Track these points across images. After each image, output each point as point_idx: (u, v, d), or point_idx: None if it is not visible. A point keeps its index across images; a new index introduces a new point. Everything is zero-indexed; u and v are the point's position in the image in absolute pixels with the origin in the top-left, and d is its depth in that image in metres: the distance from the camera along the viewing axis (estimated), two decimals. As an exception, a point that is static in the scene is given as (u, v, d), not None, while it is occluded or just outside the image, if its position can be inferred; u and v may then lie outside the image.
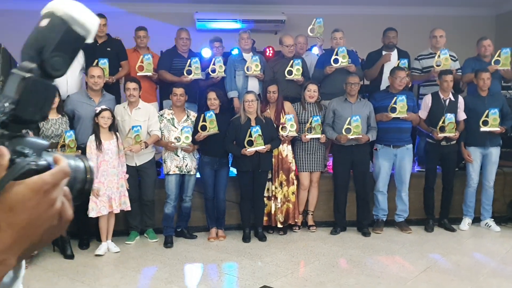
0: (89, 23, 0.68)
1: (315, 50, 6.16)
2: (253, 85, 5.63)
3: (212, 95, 4.99)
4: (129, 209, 4.79)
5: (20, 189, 0.60)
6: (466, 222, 5.50)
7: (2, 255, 0.60)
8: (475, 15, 9.05)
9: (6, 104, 0.63)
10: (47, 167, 0.62)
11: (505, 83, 5.92)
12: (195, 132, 4.86)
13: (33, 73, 0.64)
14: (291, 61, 5.42)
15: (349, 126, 5.08)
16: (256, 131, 4.81)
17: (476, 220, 5.59)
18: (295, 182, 5.25)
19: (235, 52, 6.28)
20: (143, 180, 5.03)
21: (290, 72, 5.42)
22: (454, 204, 5.61)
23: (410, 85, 5.63)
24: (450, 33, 8.12)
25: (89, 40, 0.69)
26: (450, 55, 5.57)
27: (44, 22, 0.66)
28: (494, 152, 5.37)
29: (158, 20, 8.09)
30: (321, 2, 8.06)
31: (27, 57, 0.66)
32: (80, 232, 4.90)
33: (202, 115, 4.84)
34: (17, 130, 0.64)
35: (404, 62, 5.50)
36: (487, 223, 5.49)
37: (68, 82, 5.07)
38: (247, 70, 5.48)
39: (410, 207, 5.51)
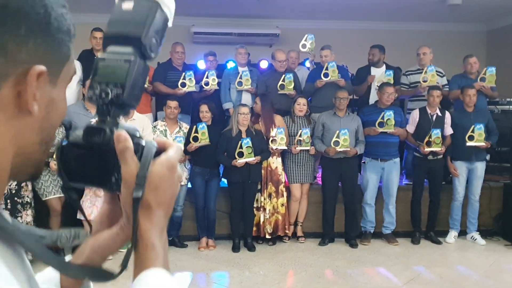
0: (172, 4, 0.67)
1: (308, 63, 6.32)
2: (247, 98, 5.78)
3: (204, 107, 5.13)
4: None
5: (159, 169, 0.63)
6: (452, 235, 5.61)
7: (164, 234, 0.65)
8: (466, 30, 9.23)
9: (114, 90, 0.62)
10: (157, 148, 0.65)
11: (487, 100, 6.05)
12: (187, 143, 4.99)
13: (135, 56, 0.62)
14: (283, 75, 5.57)
15: (337, 139, 5.21)
16: (246, 143, 4.93)
17: (463, 233, 5.70)
18: (285, 194, 5.37)
19: (230, 64, 6.44)
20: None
21: (282, 86, 5.56)
22: (441, 217, 5.72)
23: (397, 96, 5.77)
24: (442, 48, 8.32)
25: (170, 24, 0.67)
26: (437, 71, 5.72)
27: (129, 5, 0.64)
28: (480, 167, 5.50)
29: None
30: (314, 17, 8.23)
31: (114, 40, 0.64)
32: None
33: (194, 126, 4.97)
34: (118, 116, 0.64)
35: (389, 73, 5.64)
36: (472, 236, 5.59)
37: (66, 94, 5.18)
38: (239, 85, 5.61)
39: (397, 219, 5.62)
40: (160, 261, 0.65)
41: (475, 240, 5.56)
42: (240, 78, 5.60)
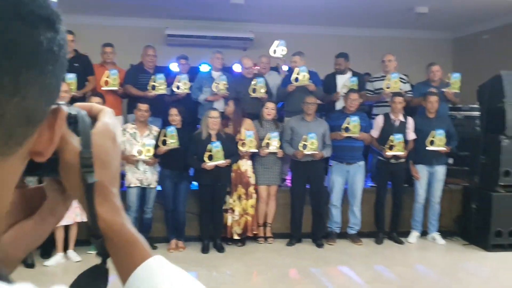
0: None
1: (285, 68, 6.49)
2: (219, 102, 5.89)
3: (173, 111, 5.23)
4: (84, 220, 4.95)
5: (101, 142, 0.56)
6: (414, 235, 5.84)
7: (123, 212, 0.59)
8: (433, 38, 9.52)
9: None
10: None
11: (451, 105, 6.30)
12: (156, 146, 5.08)
13: None
14: (255, 79, 5.71)
15: (305, 143, 5.37)
16: (216, 146, 5.05)
17: (424, 233, 5.93)
18: (254, 195, 5.51)
19: (204, 67, 6.54)
20: (106, 191, 5.19)
21: (254, 90, 5.70)
22: (404, 218, 5.94)
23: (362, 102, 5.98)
24: (409, 55, 8.59)
25: None
26: (400, 78, 5.95)
27: None
28: (440, 170, 5.73)
29: (130, 34, 8.31)
30: (287, 21, 8.40)
31: None
32: (43, 242, 5.03)
33: (163, 130, 5.07)
34: None
35: (354, 80, 5.83)
36: (433, 236, 5.83)
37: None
38: (216, 89, 5.72)
39: (362, 220, 5.82)
40: (150, 250, 0.59)
41: (435, 240, 5.80)
42: (217, 82, 5.71)
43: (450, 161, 7.26)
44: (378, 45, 8.54)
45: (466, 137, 6.60)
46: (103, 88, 5.59)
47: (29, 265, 4.69)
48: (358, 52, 8.00)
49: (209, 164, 5.05)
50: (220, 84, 5.64)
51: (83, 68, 5.65)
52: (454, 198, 6.16)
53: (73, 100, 5.27)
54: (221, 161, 5.06)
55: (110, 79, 5.60)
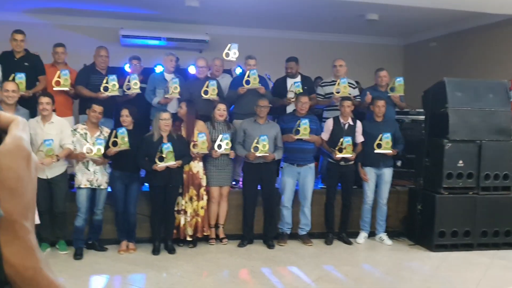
0: None
1: (238, 70, 6.55)
2: (172, 103, 5.90)
3: (125, 112, 5.21)
4: (38, 222, 4.87)
5: (10, 162, 0.47)
6: (362, 236, 6.02)
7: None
8: (385, 44, 9.83)
9: None
10: None
11: (398, 110, 6.53)
12: (107, 147, 5.05)
13: None
14: (207, 81, 5.75)
15: (257, 145, 5.45)
16: (167, 148, 5.07)
17: (372, 234, 6.11)
18: (205, 197, 5.55)
19: (158, 69, 6.53)
20: (55, 192, 5.12)
21: (206, 92, 5.74)
22: (353, 219, 6.11)
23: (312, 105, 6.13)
24: (361, 60, 8.84)
25: None
26: (349, 83, 6.13)
27: None
28: (387, 173, 5.93)
29: (84, 34, 8.22)
30: (242, 24, 8.50)
31: None
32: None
33: (114, 131, 5.05)
34: None
35: (297, 84, 5.97)
36: (380, 237, 6.02)
37: (-18, 95, 5.10)
38: (167, 92, 5.72)
39: (312, 221, 5.94)
40: None
41: (382, 240, 5.99)
42: (170, 86, 5.72)
43: (399, 163, 7.54)
44: (331, 49, 8.76)
45: (413, 140, 6.86)
46: (54, 89, 5.50)
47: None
48: (311, 56, 8.20)
49: (160, 165, 5.06)
50: (172, 87, 5.65)
51: (34, 67, 5.55)
52: (401, 200, 6.39)
53: (22, 100, 5.19)
54: (172, 162, 5.07)
55: (62, 80, 5.52)
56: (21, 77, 5.23)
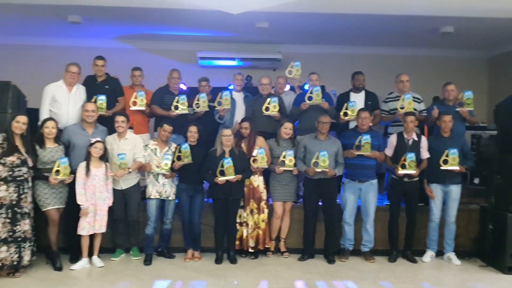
0: None
1: (287, 87, 6.74)
2: (237, 120, 6.20)
3: (193, 128, 5.59)
4: (103, 231, 5.36)
5: None
6: (428, 254, 5.84)
7: None
8: (468, 57, 9.43)
9: None
10: None
11: (476, 125, 6.29)
12: (173, 161, 5.45)
13: None
14: (268, 98, 5.99)
15: (317, 160, 5.55)
16: (227, 162, 5.35)
17: (441, 253, 5.91)
18: (266, 210, 5.74)
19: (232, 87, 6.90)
20: (128, 202, 5.61)
21: (267, 109, 5.98)
22: (420, 237, 5.95)
23: (375, 124, 6.10)
24: (439, 74, 8.59)
25: None
26: (414, 98, 6.03)
27: None
28: (455, 190, 5.73)
29: (164, 57, 8.87)
30: (312, 41, 8.67)
31: None
32: (71, 248, 5.51)
33: (178, 146, 5.45)
34: None
35: (352, 104, 5.97)
36: (448, 256, 5.81)
37: (69, 115, 5.76)
38: (219, 105, 6.07)
39: (377, 238, 5.89)
40: None
41: (450, 260, 5.77)
42: (220, 98, 6.04)
43: (476, 181, 7.24)
44: (418, 63, 8.75)
45: (491, 156, 6.56)
46: (131, 108, 6.04)
47: (58, 268, 5.18)
48: (385, 71, 8.09)
49: (220, 179, 5.35)
50: (223, 99, 5.96)
51: (113, 90, 6.13)
52: (472, 218, 6.12)
53: (102, 119, 5.76)
54: (231, 177, 5.34)
55: (138, 100, 6.04)
56: (102, 99, 5.81)
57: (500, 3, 6.55)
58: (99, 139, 5.31)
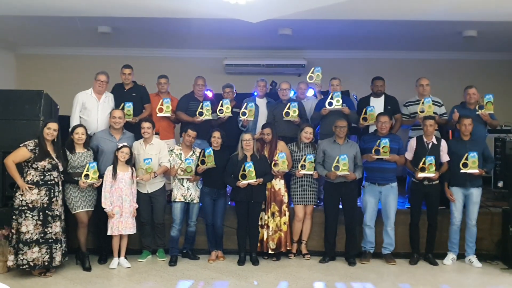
0: None
1: (310, 92, 6.86)
2: (259, 126, 6.36)
3: (217, 134, 5.79)
4: (133, 232, 5.60)
5: None
6: (450, 257, 5.85)
7: None
8: (494, 60, 9.37)
9: None
10: None
11: (490, 128, 6.27)
12: (197, 165, 5.66)
13: None
14: (288, 103, 6.13)
15: (337, 164, 5.65)
16: (249, 166, 5.52)
17: (462, 256, 5.91)
18: (287, 213, 5.88)
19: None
20: (154, 205, 5.84)
21: (287, 114, 6.12)
22: (442, 240, 5.97)
23: (396, 131, 6.19)
24: (469, 77, 8.51)
25: None
26: (434, 101, 6.07)
27: None
28: (475, 193, 5.73)
29: (193, 64, 9.11)
30: (335, 47, 8.78)
31: None
32: (100, 249, 5.78)
33: (202, 151, 5.65)
34: None
35: (371, 109, 6.06)
36: (470, 259, 5.80)
37: (98, 121, 6.05)
38: (243, 115, 6.22)
39: (398, 241, 5.94)
40: None
41: (472, 263, 5.76)
42: (245, 108, 6.21)
43: (500, 184, 7.19)
44: (451, 67, 8.82)
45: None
46: (158, 115, 6.28)
47: (87, 268, 5.44)
48: (408, 75, 8.12)
49: (242, 182, 5.52)
50: (248, 110, 6.14)
51: (140, 97, 6.39)
52: (495, 221, 6.09)
53: (129, 125, 6.02)
54: (252, 180, 5.51)
55: (164, 107, 6.28)
56: (129, 106, 6.07)
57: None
58: (125, 144, 5.56)
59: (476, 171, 5.59)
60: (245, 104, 6.26)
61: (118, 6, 6.69)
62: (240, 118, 6.27)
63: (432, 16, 6.93)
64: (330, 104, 6.09)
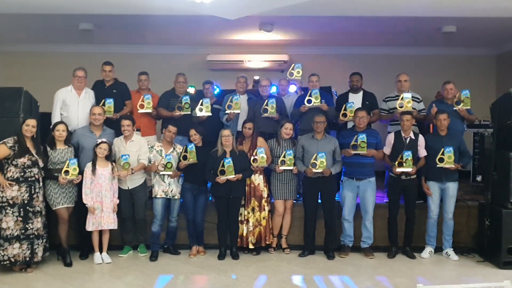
0: None
1: (292, 88, 6.91)
2: (241, 122, 6.40)
3: (192, 131, 5.83)
4: (115, 228, 5.64)
5: None
6: (427, 250, 5.95)
7: None
8: (475, 55, 9.48)
9: None
10: None
11: (467, 123, 6.38)
12: (179, 161, 5.70)
13: None
14: (266, 100, 6.19)
15: (315, 161, 5.72)
16: (228, 162, 5.57)
17: (440, 249, 6.02)
18: (267, 208, 5.94)
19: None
20: (135, 201, 5.87)
21: (265, 110, 6.17)
22: (419, 233, 6.06)
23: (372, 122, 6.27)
24: (450, 72, 8.62)
25: None
26: (413, 97, 6.15)
27: None
28: (451, 187, 5.83)
29: (176, 60, 9.15)
30: (317, 43, 8.84)
31: None
32: (82, 245, 5.81)
33: (185, 146, 5.69)
34: None
35: (350, 105, 6.11)
36: (447, 252, 5.91)
37: (79, 118, 6.06)
38: (228, 108, 6.25)
39: (377, 235, 6.04)
40: None
41: (449, 256, 5.87)
42: (231, 101, 6.24)
43: (479, 178, 7.32)
44: (424, 63, 8.82)
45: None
46: (138, 111, 6.31)
47: (68, 264, 5.48)
48: (390, 71, 8.20)
49: (221, 178, 5.57)
50: (234, 103, 6.16)
51: (121, 94, 6.41)
52: (472, 215, 6.21)
53: (110, 122, 6.04)
54: (231, 176, 5.56)
55: (145, 103, 6.30)
56: (110, 102, 6.09)
57: (501, 3, 6.60)
58: (104, 140, 5.59)
59: (452, 166, 5.69)
60: (230, 97, 6.29)
61: (99, 3, 6.69)
62: (226, 111, 6.29)
63: (412, 12, 7.01)
64: (309, 101, 6.15)
